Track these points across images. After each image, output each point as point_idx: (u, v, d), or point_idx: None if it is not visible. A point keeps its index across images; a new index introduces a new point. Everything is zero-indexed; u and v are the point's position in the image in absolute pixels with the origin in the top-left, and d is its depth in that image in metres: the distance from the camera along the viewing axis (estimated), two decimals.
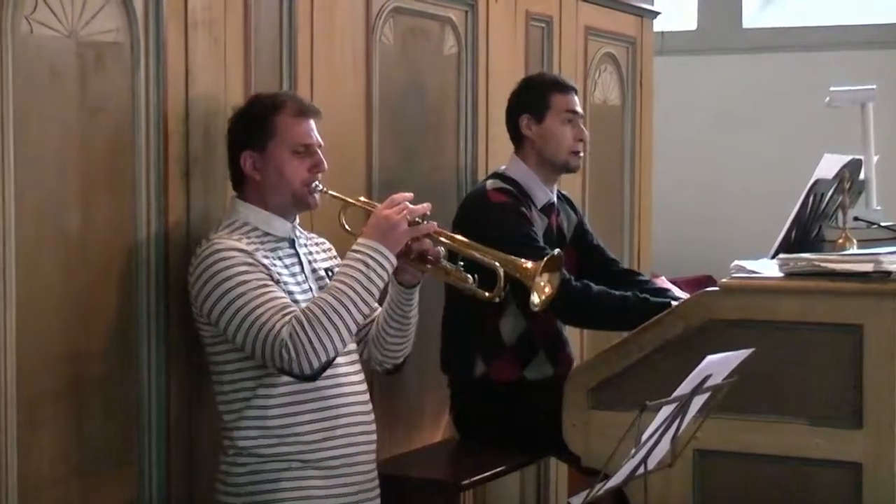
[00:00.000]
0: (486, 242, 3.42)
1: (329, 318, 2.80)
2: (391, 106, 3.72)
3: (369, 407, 3.06)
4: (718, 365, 2.56)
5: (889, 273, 3.15)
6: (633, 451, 2.48)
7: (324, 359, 2.82)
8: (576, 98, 3.82)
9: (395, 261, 2.91)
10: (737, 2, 6.62)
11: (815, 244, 3.90)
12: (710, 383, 2.56)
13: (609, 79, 4.87)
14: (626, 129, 4.96)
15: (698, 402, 2.59)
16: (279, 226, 3.00)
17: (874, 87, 4.65)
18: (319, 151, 3.01)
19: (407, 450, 3.79)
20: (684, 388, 2.49)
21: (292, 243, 3.03)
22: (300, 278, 2.99)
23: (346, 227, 3.08)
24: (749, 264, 3.38)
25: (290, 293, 2.91)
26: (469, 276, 3.05)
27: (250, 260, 2.85)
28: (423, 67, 3.88)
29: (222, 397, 2.95)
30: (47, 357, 2.71)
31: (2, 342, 2.59)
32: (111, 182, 2.86)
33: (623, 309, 3.56)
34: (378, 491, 3.10)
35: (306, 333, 2.78)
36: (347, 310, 2.83)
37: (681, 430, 2.61)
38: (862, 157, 4.30)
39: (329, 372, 2.89)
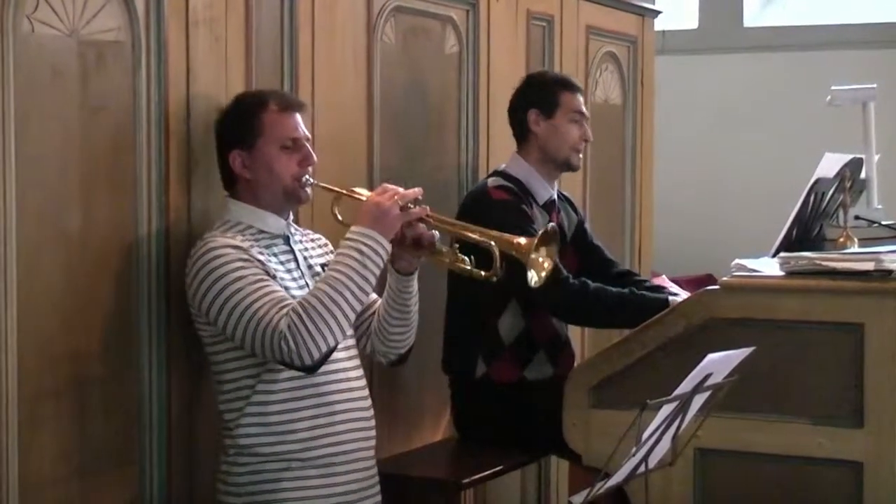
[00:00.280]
0: None
1: (327, 308, 2.80)
2: (392, 105, 3.72)
3: (368, 402, 3.06)
4: (719, 364, 2.56)
5: (890, 272, 3.15)
6: (634, 449, 2.48)
7: (324, 349, 2.81)
8: (582, 99, 3.83)
9: (389, 247, 2.90)
10: (738, 1, 6.62)
11: (816, 243, 3.90)
12: (710, 382, 2.56)
13: (610, 78, 4.87)
14: (628, 128, 4.96)
15: (699, 400, 2.59)
16: (273, 222, 3.00)
17: (875, 86, 4.66)
18: (308, 144, 3.01)
19: (407, 449, 3.79)
20: (685, 386, 2.49)
21: (287, 240, 3.02)
22: (296, 274, 2.99)
23: (339, 217, 3.07)
24: (750, 263, 3.38)
25: (286, 289, 2.90)
26: (465, 257, 3.05)
27: (245, 256, 2.85)
28: (424, 66, 3.88)
29: (223, 396, 2.95)
30: (48, 356, 2.71)
31: (3, 341, 2.59)
32: (112, 181, 2.86)
33: (621, 306, 3.57)
34: (378, 487, 3.10)
35: (304, 324, 2.78)
36: (345, 298, 2.82)
37: (681, 429, 2.61)
38: (863, 156, 4.30)
39: (328, 367, 2.89)
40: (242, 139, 2.96)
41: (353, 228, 2.91)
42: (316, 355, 2.80)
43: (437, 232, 3.02)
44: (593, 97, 4.74)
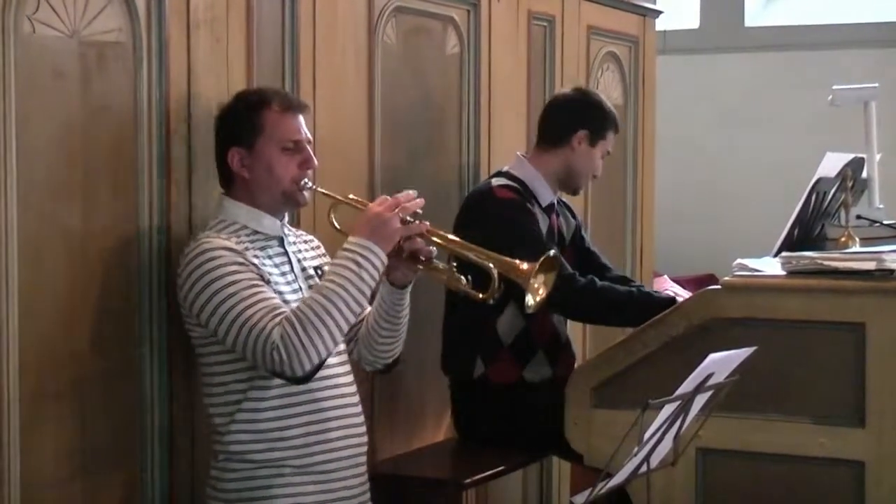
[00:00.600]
0: (490, 238, 3.43)
1: (321, 319, 2.74)
2: (393, 105, 3.71)
3: (360, 409, 3.01)
4: (721, 363, 2.56)
5: (892, 271, 3.15)
6: (636, 449, 2.48)
7: (316, 360, 2.76)
8: None
9: (386, 259, 2.83)
10: (739, 1, 6.62)
11: (818, 242, 3.90)
12: (712, 382, 2.56)
13: (611, 78, 4.87)
14: (629, 127, 4.96)
15: (701, 400, 2.59)
16: (269, 224, 2.94)
17: (877, 85, 4.66)
18: (309, 147, 2.96)
19: (409, 449, 3.79)
20: (687, 386, 2.49)
21: (281, 242, 2.97)
22: (290, 277, 2.93)
23: (336, 224, 3.03)
24: (752, 263, 3.38)
25: (279, 293, 2.85)
26: (462, 276, 2.98)
27: (240, 259, 2.80)
28: (425, 67, 3.88)
29: (212, 399, 2.89)
30: (49, 356, 2.72)
31: (4, 341, 2.59)
32: (113, 181, 2.86)
33: (628, 303, 3.59)
34: (369, 494, 3.04)
35: (297, 335, 2.72)
36: (339, 310, 2.76)
37: (683, 429, 2.61)
38: (864, 156, 4.30)
39: (321, 373, 2.84)
40: (242, 137, 2.91)
41: (351, 238, 2.84)
42: (307, 367, 2.75)
43: (434, 248, 2.96)
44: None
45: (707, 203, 6.44)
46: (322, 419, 2.89)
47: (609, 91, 4.81)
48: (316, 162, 2.98)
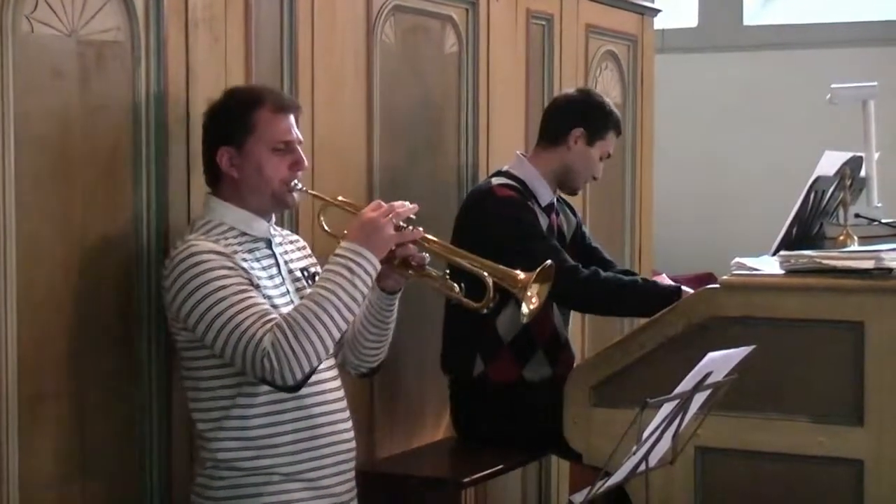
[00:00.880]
0: (492, 237, 3.44)
1: (312, 326, 2.68)
2: (392, 105, 3.71)
3: (347, 414, 2.96)
4: (719, 362, 2.56)
5: (890, 270, 3.15)
6: (635, 448, 2.48)
7: (307, 368, 2.70)
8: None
9: (379, 266, 2.78)
10: None
11: (816, 241, 3.90)
12: (711, 381, 2.56)
13: (610, 77, 4.87)
14: (627, 126, 4.96)
15: (699, 399, 2.59)
16: (257, 226, 2.88)
17: (875, 84, 4.65)
18: (299, 148, 2.90)
19: (408, 448, 3.79)
20: (685, 385, 2.49)
21: (269, 244, 2.91)
22: (277, 280, 2.87)
23: (326, 227, 2.98)
24: (750, 261, 3.38)
25: (268, 297, 2.79)
26: (455, 284, 2.93)
27: (229, 263, 2.74)
28: (423, 66, 3.88)
29: (198, 405, 2.83)
30: (48, 356, 2.71)
31: (3, 342, 2.59)
32: (112, 181, 2.86)
33: (632, 292, 3.60)
34: (356, 502, 3.01)
35: (289, 342, 2.66)
36: (331, 317, 2.70)
37: (682, 428, 2.61)
38: (863, 154, 4.30)
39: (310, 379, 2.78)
40: (232, 136, 2.85)
41: (343, 244, 2.79)
42: (299, 375, 2.70)
43: (427, 255, 2.90)
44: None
45: (705, 202, 6.44)
46: (311, 426, 2.85)
47: (607, 90, 4.81)
48: (307, 163, 2.93)
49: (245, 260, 2.80)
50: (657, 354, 3.28)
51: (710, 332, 3.21)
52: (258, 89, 2.96)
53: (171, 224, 2.97)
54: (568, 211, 3.94)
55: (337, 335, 2.74)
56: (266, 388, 2.78)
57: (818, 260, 3.21)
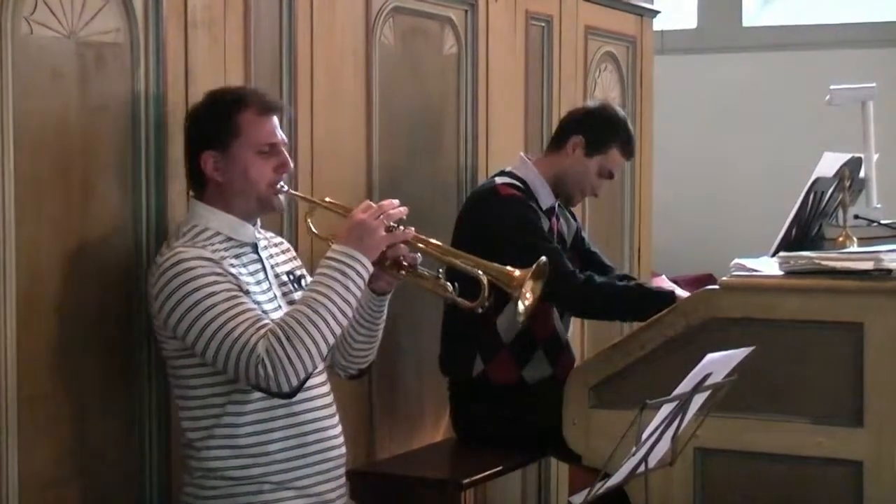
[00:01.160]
0: (493, 235, 3.43)
1: (307, 331, 2.65)
2: (391, 106, 3.72)
3: (337, 419, 2.92)
4: (719, 363, 2.56)
5: (889, 271, 3.15)
6: (634, 449, 2.48)
7: (302, 374, 2.67)
8: (624, 165, 3.83)
9: (371, 268, 2.75)
10: (736, 1, 6.62)
11: (816, 242, 3.90)
12: (710, 382, 2.56)
13: (609, 78, 4.87)
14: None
15: (699, 400, 2.59)
16: (243, 230, 2.84)
17: (874, 85, 4.65)
18: (284, 150, 2.85)
19: (408, 449, 3.79)
20: (685, 386, 2.49)
21: (255, 248, 2.87)
22: (265, 286, 2.84)
23: (314, 229, 2.95)
24: (749, 262, 3.38)
25: (257, 303, 2.75)
26: (448, 284, 2.89)
27: (218, 270, 2.70)
28: (423, 67, 3.88)
29: (188, 413, 2.80)
30: (48, 357, 2.71)
31: (3, 342, 2.59)
32: (111, 182, 2.86)
33: (628, 298, 3.60)
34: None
35: (284, 348, 2.63)
36: (325, 322, 2.67)
37: (681, 429, 2.61)
38: (862, 156, 4.30)
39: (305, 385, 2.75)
40: (216, 140, 2.80)
41: (335, 247, 2.76)
42: (294, 381, 2.66)
43: (419, 255, 2.88)
44: (592, 97, 4.74)
45: (705, 203, 6.44)
46: (300, 433, 2.82)
47: (607, 91, 4.82)
48: (292, 165, 2.89)
49: (233, 266, 2.76)
50: (657, 355, 3.28)
51: (709, 334, 3.21)
52: (241, 91, 2.90)
53: (170, 225, 2.96)
54: (568, 215, 3.94)
55: (332, 340, 2.71)
56: (257, 395, 2.75)
57: (817, 261, 3.21)
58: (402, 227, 2.82)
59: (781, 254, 3.35)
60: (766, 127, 6.31)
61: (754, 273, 3.31)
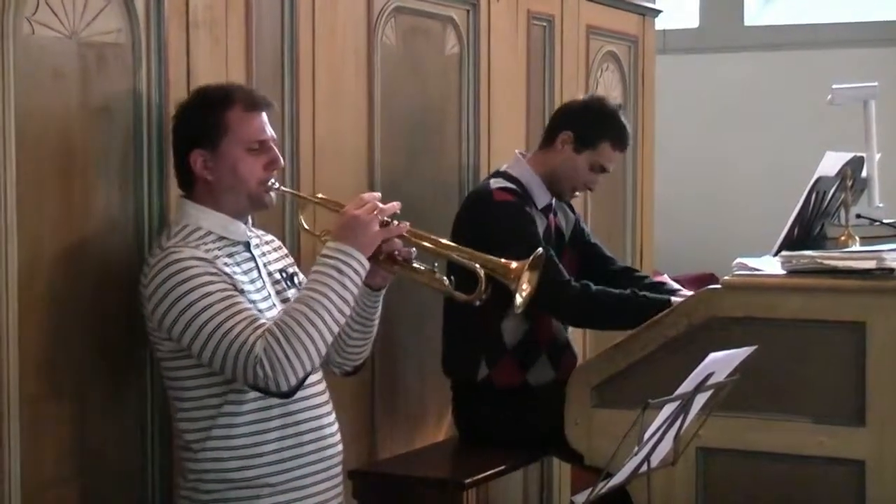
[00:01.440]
0: (488, 241, 3.42)
1: (305, 330, 2.63)
2: (392, 106, 3.71)
3: (333, 417, 2.91)
4: (721, 363, 2.56)
5: (892, 270, 3.15)
6: (636, 449, 2.48)
7: (301, 373, 2.65)
8: (618, 158, 3.80)
9: (367, 264, 2.73)
10: (738, 0, 6.62)
11: (818, 242, 3.90)
12: (712, 381, 2.56)
13: (611, 77, 4.87)
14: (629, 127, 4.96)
15: (701, 400, 2.59)
16: (234, 229, 2.81)
17: (876, 84, 4.65)
18: (275, 147, 2.82)
19: (410, 449, 3.79)
20: (687, 386, 2.49)
21: (248, 246, 2.84)
22: (259, 284, 2.81)
23: (305, 225, 2.94)
24: (751, 262, 3.38)
25: (252, 302, 2.73)
26: (444, 277, 2.86)
27: (212, 269, 2.67)
28: (424, 67, 3.88)
29: (184, 415, 2.77)
30: (49, 357, 2.71)
31: (4, 342, 2.59)
32: (113, 182, 2.86)
33: (623, 308, 3.55)
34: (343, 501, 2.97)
35: (282, 347, 2.61)
36: (323, 320, 2.64)
37: (683, 429, 2.61)
38: (864, 155, 4.30)
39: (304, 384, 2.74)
40: (205, 138, 2.76)
41: (330, 244, 2.73)
42: (293, 381, 2.64)
43: (414, 249, 2.85)
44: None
45: (706, 202, 6.44)
46: (297, 432, 2.80)
47: (609, 91, 4.82)
48: (283, 162, 2.88)
49: (227, 265, 2.73)
50: (658, 355, 3.28)
51: (711, 333, 3.21)
52: (228, 88, 2.85)
53: (171, 225, 2.96)
54: (567, 209, 3.91)
55: (330, 338, 2.69)
56: (253, 395, 2.73)
57: (820, 260, 3.21)
58: (396, 222, 2.79)
59: (783, 253, 3.35)
60: (767, 126, 6.31)
61: (756, 272, 3.31)
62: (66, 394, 2.76)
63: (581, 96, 3.95)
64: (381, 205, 2.77)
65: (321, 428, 2.86)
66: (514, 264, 2.83)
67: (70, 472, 2.78)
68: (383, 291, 2.94)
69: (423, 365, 3.83)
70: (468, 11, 4.04)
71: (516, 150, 3.87)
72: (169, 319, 2.67)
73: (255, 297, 2.77)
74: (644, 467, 2.56)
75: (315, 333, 2.65)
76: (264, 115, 2.82)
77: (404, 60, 3.78)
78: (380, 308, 2.96)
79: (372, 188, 3.61)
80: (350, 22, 3.55)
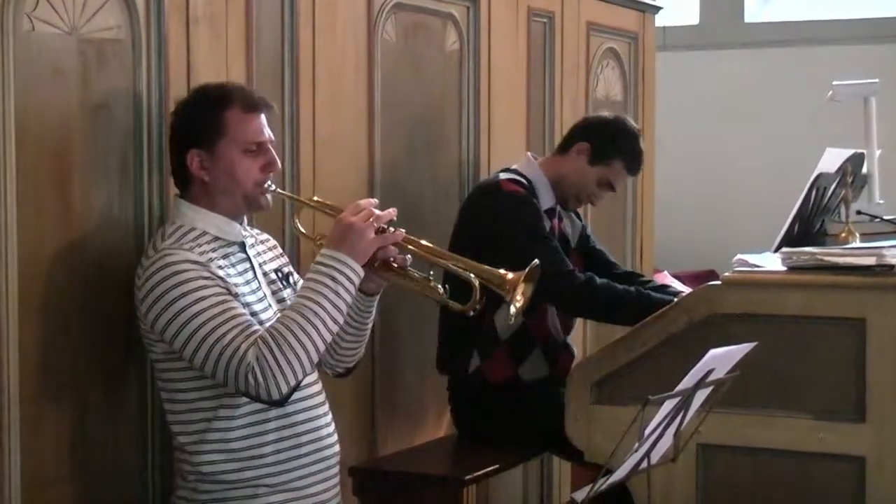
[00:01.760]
0: (493, 231, 3.43)
1: (297, 339, 2.61)
2: (393, 102, 3.71)
3: (330, 417, 2.90)
4: (721, 359, 2.56)
5: (892, 266, 3.15)
6: (636, 445, 2.48)
7: (292, 382, 2.63)
8: (628, 180, 3.86)
9: (362, 272, 2.70)
10: None
11: (818, 238, 3.90)
12: (712, 378, 2.55)
13: (611, 74, 4.86)
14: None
15: (701, 396, 2.59)
16: (230, 229, 2.79)
17: (877, 81, 4.65)
18: (272, 148, 2.80)
19: (410, 446, 3.79)
20: (687, 382, 2.49)
21: (243, 247, 2.83)
22: (254, 285, 2.80)
23: (301, 228, 2.92)
24: (752, 258, 3.37)
25: (246, 304, 2.72)
26: (439, 286, 2.84)
27: (206, 273, 2.65)
28: (424, 64, 3.87)
29: (177, 417, 2.76)
30: (49, 356, 2.71)
31: (4, 340, 2.59)
32: (113, 179, 2.86)
33: (625, 303, 3.58)
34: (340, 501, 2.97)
35: (274, 356, 2.60)
36: (316, 328, 2.63)
37: (684, 425, 2.61)
38: (864, 151, 4.30)
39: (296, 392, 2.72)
40: (202, 138, 2.75)
41: (324, 251, 2.71)
42: (284, 389, 2.63)
43: (409, 256, 2.83)
44: (594, 94, 4.74)
45: (707, 199, 6.44)
46: (294, 433, 2.79)
47: (609, 87, 4.82)
48: (279, 164, 2.85)
49: (221, 267, 2.72)
50: (659, 351, 3.27)
51: (711, 329, 3.21)
52: (227, 88, 2.83)
53: None
54: (573, 216, 3.93)
55: (322, 347, 2.68)
56: (247, 398, 2.71)
57: (820, 257, 3.21)
58: (392, 229, 2.77)
59: (784, 249, 3.34)
60: (768, 123, 6.31)
61: (756, 269, 3.31)
62: (66, 394, 2.76)
63: (606, 113, 3.96)
64: (377, 211, 2.75)
65: (318, 428, 2.85)
66: (510, 275, 2.80)
67: (70, 471, 2.78)
68: (377, 297, 2.92)
69: (422, 362, 3.83)
70: (468, 8, 4.03)
71: (528, 153, 3.88)
72: (161, 323, 2.66)
73: (250, 298, 2.76)
74: (644, 464, 2.56)
75: (308, 342, 2.64)
76: (263, 117, 2.81)
77: (404, 57, 3.78)
78: (374, 312, 2.94)
79: (372, 185, 3.61)
80: (350, 18, 3.55)
